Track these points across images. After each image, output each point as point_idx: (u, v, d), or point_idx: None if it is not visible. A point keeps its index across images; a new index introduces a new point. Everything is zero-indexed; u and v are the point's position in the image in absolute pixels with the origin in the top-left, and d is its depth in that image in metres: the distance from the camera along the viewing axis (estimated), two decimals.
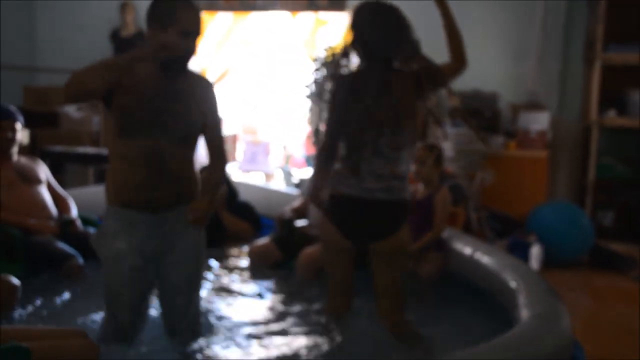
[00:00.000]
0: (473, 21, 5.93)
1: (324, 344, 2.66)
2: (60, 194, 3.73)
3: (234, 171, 6.57)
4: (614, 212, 5.59)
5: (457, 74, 2.52)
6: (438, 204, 3.39)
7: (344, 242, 2.55)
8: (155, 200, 2.35)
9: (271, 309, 3.18)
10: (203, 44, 6.27)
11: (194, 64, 2.58)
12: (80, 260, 3.37)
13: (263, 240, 3.87)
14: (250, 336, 2.80)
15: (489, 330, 2.54)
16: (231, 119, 7.50)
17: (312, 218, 3.70)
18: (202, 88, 2.43)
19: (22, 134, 3.60)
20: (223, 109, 2.59)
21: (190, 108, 2.38)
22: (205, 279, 3.56)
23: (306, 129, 6.70)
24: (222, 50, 6.88)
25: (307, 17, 6.69)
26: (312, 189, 2.58)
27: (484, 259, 3.23)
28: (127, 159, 2.33)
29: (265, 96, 7.74)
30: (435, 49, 2.62)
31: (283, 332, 2.86)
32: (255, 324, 2.95)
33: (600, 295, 4.15)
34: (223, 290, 3.44)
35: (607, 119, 5.59)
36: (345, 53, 2.52)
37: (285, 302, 3.25)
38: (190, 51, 2.32)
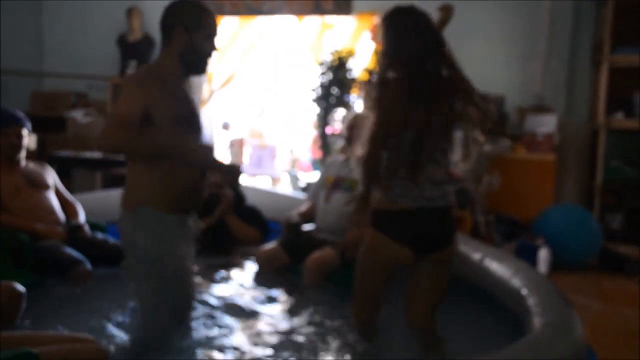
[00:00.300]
0: (480, 24, 5.94)
1: (341, 348, 2.65)
2: (68, 199, 3.74)
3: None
4: (622, 214, 5.57)
5: None
6: None
7: (402, 256, 2.42)
8: (201, 201, 2.46)
9: (278, 313, 3.18)
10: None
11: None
12: (88, 266, 3.37)
13: (270, 245, 3.86)
14: (258, 340, 2.80)
15: (498, 336, 2.54)
16: (237, 123, 7.52)
17: (336, 230, 3.64)
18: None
19: (29, 140, 3.61)
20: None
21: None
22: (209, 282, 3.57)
23: (312, 133, 6.69)
24: (227, 55, 6.89)
25: (313, 21, 6.70)
26: (360, 204, 2.41)
27: (493, 264, 3.22)
28: (175, 164, 2.35)
29: (271, 100, 7.74)
30: None
31: (291, 335, 2.86)
32: (262, 328, 2.95)
33: (608, 299, 4.13)
34: (230, 295, 3.43)
35: (614, 121, 5.57)
36: (386, 57, 2.40)
37: (292, 306, 3.25)
38: (213, 52, 2.42)
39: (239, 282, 3.67)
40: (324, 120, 6.19)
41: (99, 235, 3.73)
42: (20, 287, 2.72)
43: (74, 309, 3.07)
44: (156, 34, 6.53)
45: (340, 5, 6.47)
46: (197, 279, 2.57)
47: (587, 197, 5.75)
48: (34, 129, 3.68)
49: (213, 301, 3.20)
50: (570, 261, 4.68)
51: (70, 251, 3.42)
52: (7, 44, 6.84)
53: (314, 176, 6.03)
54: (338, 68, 6.10)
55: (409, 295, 2.55)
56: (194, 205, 2.47)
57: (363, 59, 6.32)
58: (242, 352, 2.67)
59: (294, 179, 6.70)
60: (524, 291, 2.80)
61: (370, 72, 2.50)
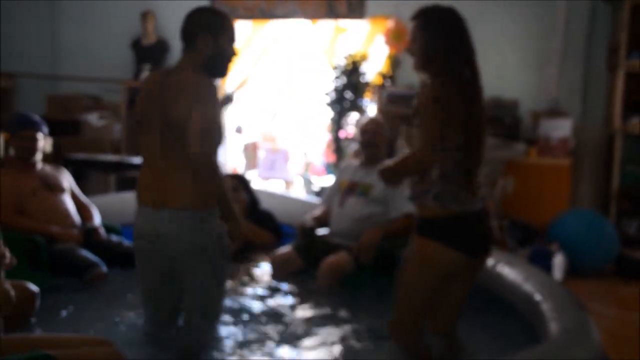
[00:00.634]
0: (494, 28, 5.91)
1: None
2: (83, 202, 3.76)
3: (254, 179, 6.58)
4: (639, 220, 5.51)
5: None
6: None
7: (461, 264, 2.29)
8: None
9: (293, 317, 3.17)
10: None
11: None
12: (104, 268, 3.39)
13: (284, 249, 3.86)
14: (274, 344, 2.80)
15: (512, 343, 2.52)
16: (251, 127, 7.53)
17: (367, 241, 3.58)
18: None
19: (45, 143, 3.64)
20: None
21: None
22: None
23: (326, 137, 6.69)
24: (241, 58, 6.91)
25: (326, 25, 6.70)
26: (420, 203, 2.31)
27: (506, 269, 3.20)
28: (209, 165, 2.42)
29: (284, 104, 7.75)
30: None
31: (307, 339, 2.85)
32: (278, 332, 2.95)
33: (625, 305, 4.09)
34: (245, 299, 3.43)
35: (630, 126, 5.52)
36: (443, 57, 2.29)
37: (307, 311, 3.25)
38: (234, 56, 2.51)
39: (253, 286, 3.67)
40: (337, 124, 6.19)
41: (114, 238, 3.74)
42: (34, 287, 2.73)
43: (90, 311, 3.08)
44: (170, 38, 6.62)
45: (354, 9, 6.47)
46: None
47: (603, 202, 5.70)
48: (50, 132, 3.69)
49: (226, 305, 3.20)
50: (586, 267, 4.63)
51: (86, 253, 3.44)
52: (23, 48, 6.90)
53: (328, 180, 6.03)
54: (352, 72, 6.11)
55: (435, 300, 2.39)
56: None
57: (376, 63, 6.32)
58: (255, 357, 2.66)
59: (308, 183, 6.70)
60: (537, 297, 2.78)
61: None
